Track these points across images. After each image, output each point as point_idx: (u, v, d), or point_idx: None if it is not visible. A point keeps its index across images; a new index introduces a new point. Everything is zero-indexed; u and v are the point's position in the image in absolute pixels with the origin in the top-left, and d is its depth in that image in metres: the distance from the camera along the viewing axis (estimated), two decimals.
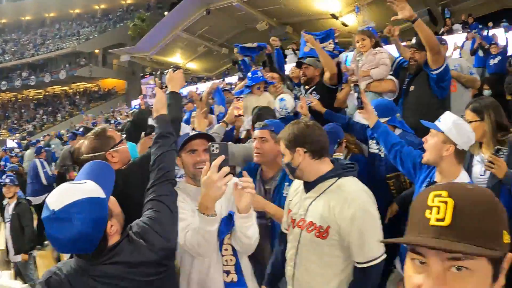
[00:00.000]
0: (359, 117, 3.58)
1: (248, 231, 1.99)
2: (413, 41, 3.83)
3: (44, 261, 6.11)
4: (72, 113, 34.60)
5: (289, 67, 6.44)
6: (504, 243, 0.81)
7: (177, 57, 27.85)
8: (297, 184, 2.29)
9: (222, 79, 17.37)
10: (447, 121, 2.38)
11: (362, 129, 3.58)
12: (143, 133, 3.43)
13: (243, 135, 4.33)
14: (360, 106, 2.90)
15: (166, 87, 2.49)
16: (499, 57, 8.51)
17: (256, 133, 2.89)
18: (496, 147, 2.65)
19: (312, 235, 2.05)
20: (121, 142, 2.42)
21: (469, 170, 2.83)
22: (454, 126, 2.35)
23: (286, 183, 2.73)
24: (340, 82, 4.45)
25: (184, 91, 13.64)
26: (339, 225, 1.96)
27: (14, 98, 41.66)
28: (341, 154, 3.51)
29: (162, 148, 2.02)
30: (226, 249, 2.15)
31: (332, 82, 4.31)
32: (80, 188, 1.55)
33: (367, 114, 2.94)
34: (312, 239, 2.05)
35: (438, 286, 0.79)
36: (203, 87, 15.40)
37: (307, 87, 4.54)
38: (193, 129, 4.16)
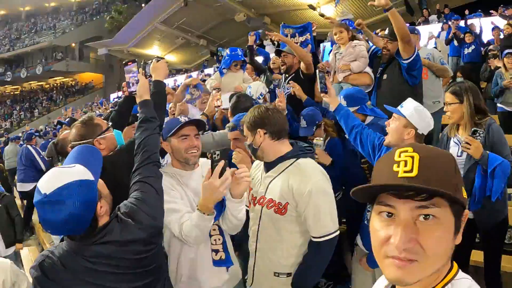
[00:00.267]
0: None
1: (239, 214, 2.15)
2: (386, 31, 3.98)
3: (30, 257, 6.08)
4: (49, 109, 34.02)
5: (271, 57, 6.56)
6: (463, 197, 0.89)
7: (155, 49, 27.63)
8: (258, 164, 2.46)
9: (201, 70, 17.26)
10: (409, 107, 2.56)
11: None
12: None
13: (217, 114, 4.38)
14: (324, 90, 3.07)
15: (150, 76, 2.56)
16: (473, 46, 8.63)
17: (229, 135, 3.02)
18: (472, 129, 2.75)
19: (271, 211, 2.21)
20: (108, 130, 2.47)
21: None
22: (415, 111, 2.53)
23: None
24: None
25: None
26: (297, 201, 2.13)
27: None
28: (321, 138, 3.62)
29: (146, 132, 2.11)
30: (214, 229, 2.28)
31: (308, 72, 4.42)
32: (69, 172, 1.61)
33: (330, 98, 3.10)
34: (271, 215, 2.22)
35: (408, 234, 0.82)
36: (181, 79, 15.29)
37: (287, 75, 4.65)
38: None
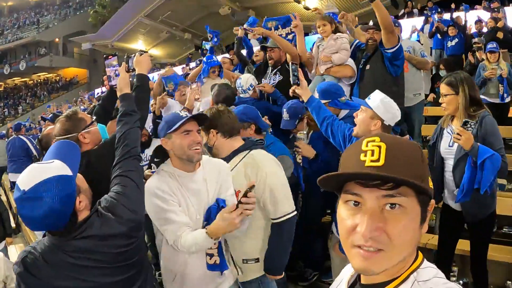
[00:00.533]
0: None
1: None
2: (371, 23, 4.01)
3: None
4: (33, 105, 33.57)
5: (254, 50, 6.58)
6: (430, 187, 0.89)
7: (139, 44, 27.44)
8: None
9: (186, 64, 17.15)
10: (375, 99, 2.62)
11: None
12: None
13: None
14: (297, 82, 3.16)
15: (133, 70, 2.54)
16: (456, 39, 8.72)
17: None
18: (464, 120, 2.73)
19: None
20: (92, 124, 2.47)
21: (438, 143, 3.03)
22: (381, 103, 2.59)
23: None
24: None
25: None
26: (255, 187, 2.17)
27: None
28: (304, 132, 3.64)
29: (126, 126, 2.09)
30: None
31: (295, 63, 4.41)
32: (47, 167, 1.61)
33: (301, 90, 3.18)
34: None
35: (374, 222, 0.82)
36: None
37: (273, 68, 4.65)
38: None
